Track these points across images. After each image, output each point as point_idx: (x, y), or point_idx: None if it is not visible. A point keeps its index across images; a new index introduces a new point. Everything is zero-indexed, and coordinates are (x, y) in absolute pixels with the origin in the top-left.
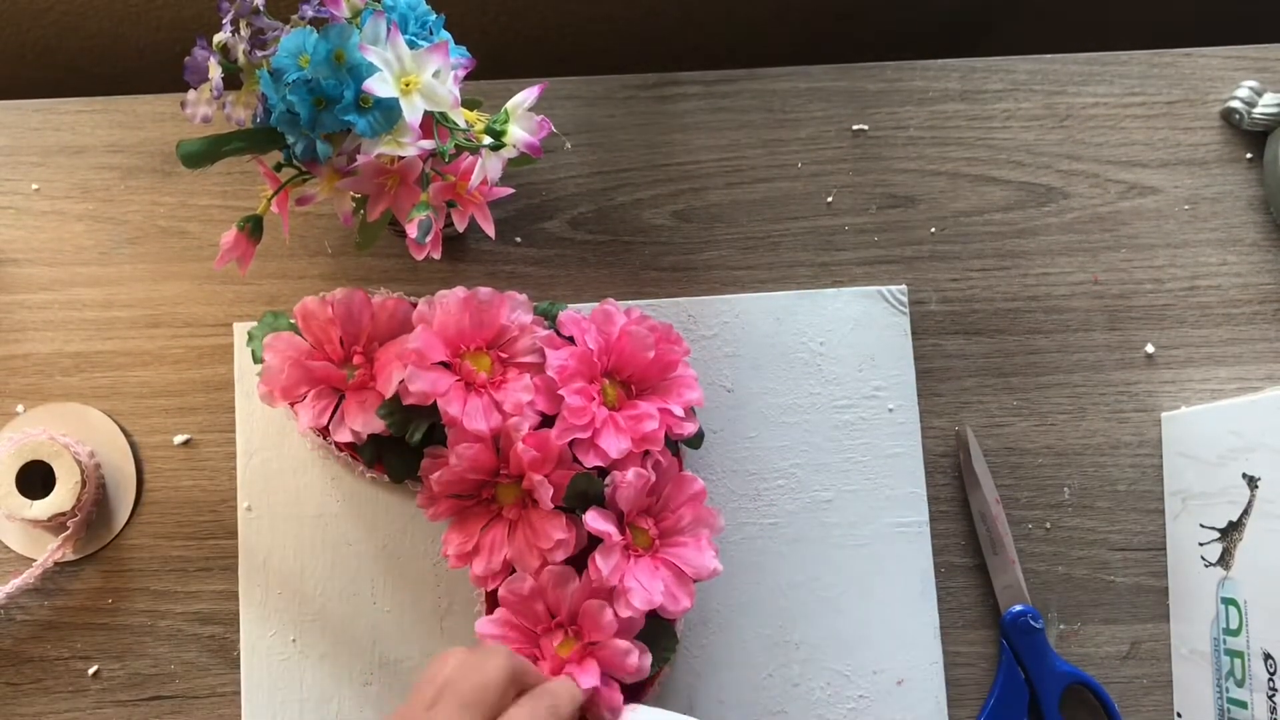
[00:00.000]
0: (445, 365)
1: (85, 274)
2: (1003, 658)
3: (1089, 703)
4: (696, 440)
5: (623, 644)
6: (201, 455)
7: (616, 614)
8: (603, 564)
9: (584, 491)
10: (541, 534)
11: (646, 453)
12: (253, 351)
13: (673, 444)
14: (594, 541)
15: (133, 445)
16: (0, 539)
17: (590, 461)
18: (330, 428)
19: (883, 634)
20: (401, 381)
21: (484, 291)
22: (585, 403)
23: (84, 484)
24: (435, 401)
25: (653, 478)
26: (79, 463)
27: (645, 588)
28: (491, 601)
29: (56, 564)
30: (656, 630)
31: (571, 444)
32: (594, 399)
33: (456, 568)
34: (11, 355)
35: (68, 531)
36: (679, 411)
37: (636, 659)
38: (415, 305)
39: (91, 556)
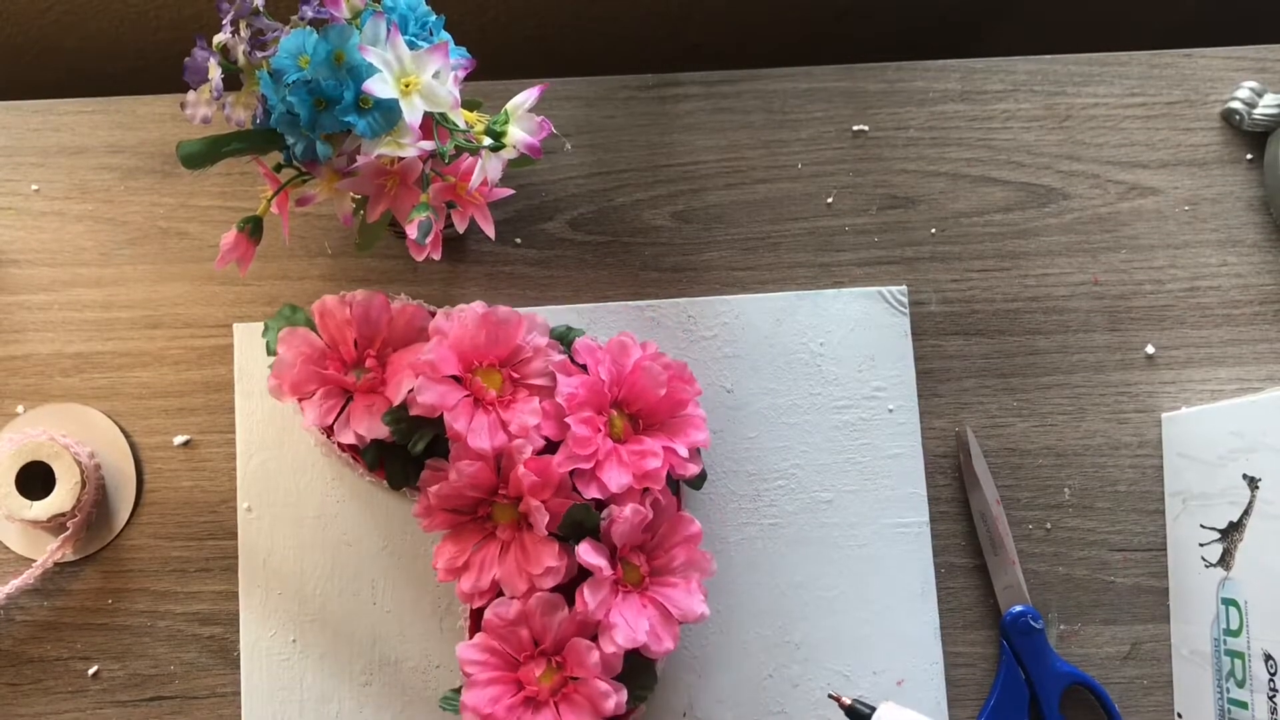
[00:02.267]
0: (456, 379)
1: (85, 275)
2: (1003, 658)
3: (1089, 703)
4: (698, 481)
5: (603, 685)
6: (201, 455)
7: (599, 649)
8: (590, 597)
9: (580, 522)
10: (533, 558)
11: (646, 490)
12: (267, 343)
13: (674, 483)
14: (584, 572)
15: (133, 445)
16: (0, 539)
17: (590, 492)
18: (335, 428)
19: (883, 634)
20: (410, 390)
21: (503, 310)
22: (591, 433)
23: (84, 484)
24: (442, 414)
25: (650, 515)
26: (79, 463)
27: (630, 625)
28: (475, 620)
29: (56, 564)
30: (636, 667)
31: (572, 473)
32: (600, 430)
33: (444, 581)
34: (11, 355)
35: (68, 532)
36: (683, 452)
37: (614, 703)
38: (434, 314)
39: (91, 557)
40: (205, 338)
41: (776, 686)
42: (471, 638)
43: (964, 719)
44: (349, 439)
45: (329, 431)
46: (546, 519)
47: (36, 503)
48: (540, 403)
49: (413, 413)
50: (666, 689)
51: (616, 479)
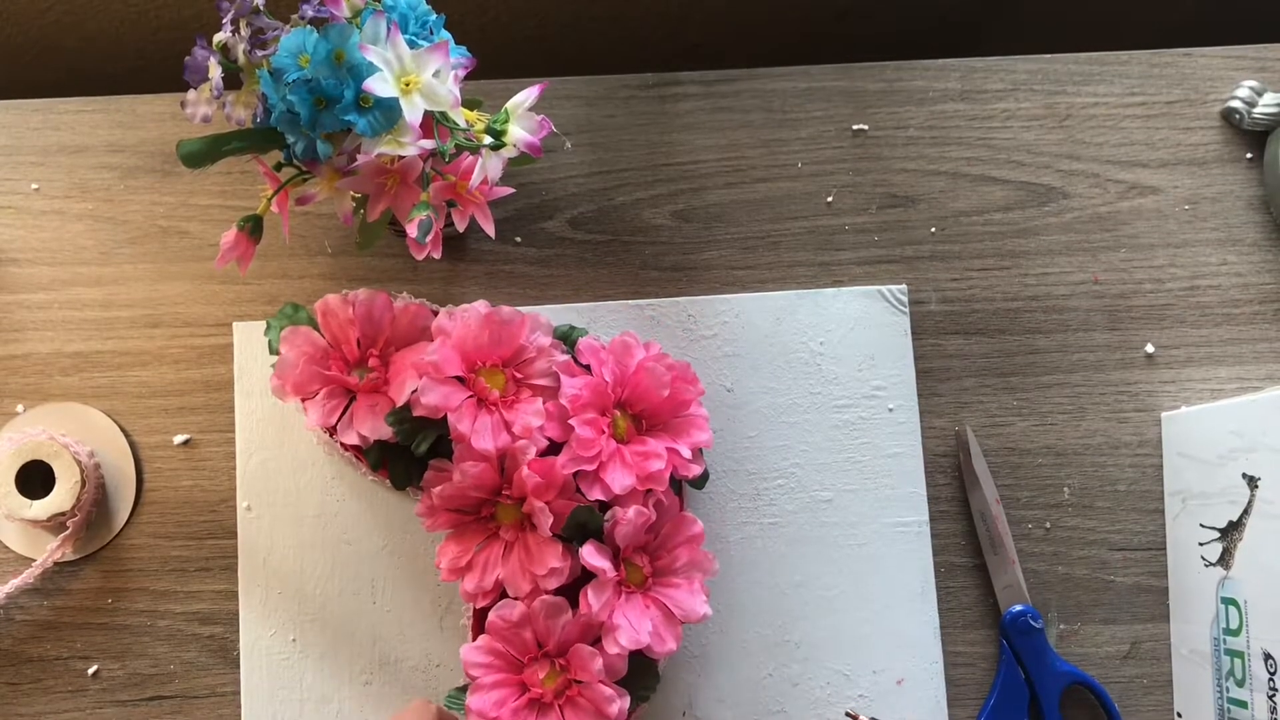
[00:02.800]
0: (459, 380)
1: (85, 274)
2: (1003, 658)
3: (1089, 703)
4: (701, 481)
5: (607, 691)
6: (201, 455)
7: (603, 650)
8: (594, 599)
9: (584, 524)
10: (536, 559)
11: (649, 490)
12: (269, 342)
13: (676, 483)
14: (588, 571)
15: (133, 445)
16: (0, 538)
17: (593, 494)
18: (338, 428)
19: (883, 634)
20: (414, 391)
21: (506, 310)
22: (594, 435)
23: (84, 484)
24: (445, 415)
25: (653, 517)
26: (79, 463)
27: (633, 626)
28: (479, 620)
29: (56, 564)
30: (639, 667)
31: (576, 474)
32: (604, 431)
33: (448, 580)
34: (11, 355)
35: (67, 531)
36: (686, 453)
37: (618, 708)
38: (436, 314)
39: (91, 556)
40: (205, 337)
41: (776, 685)
42: (475, 639)
43: (964, 718)
44: (352, 439)
45: (332, 431)
46: (550, 520)
47: (36, 502)
48: (544, 403)
49: (416, 413)
50: (666, 688)
51: (620, 480)
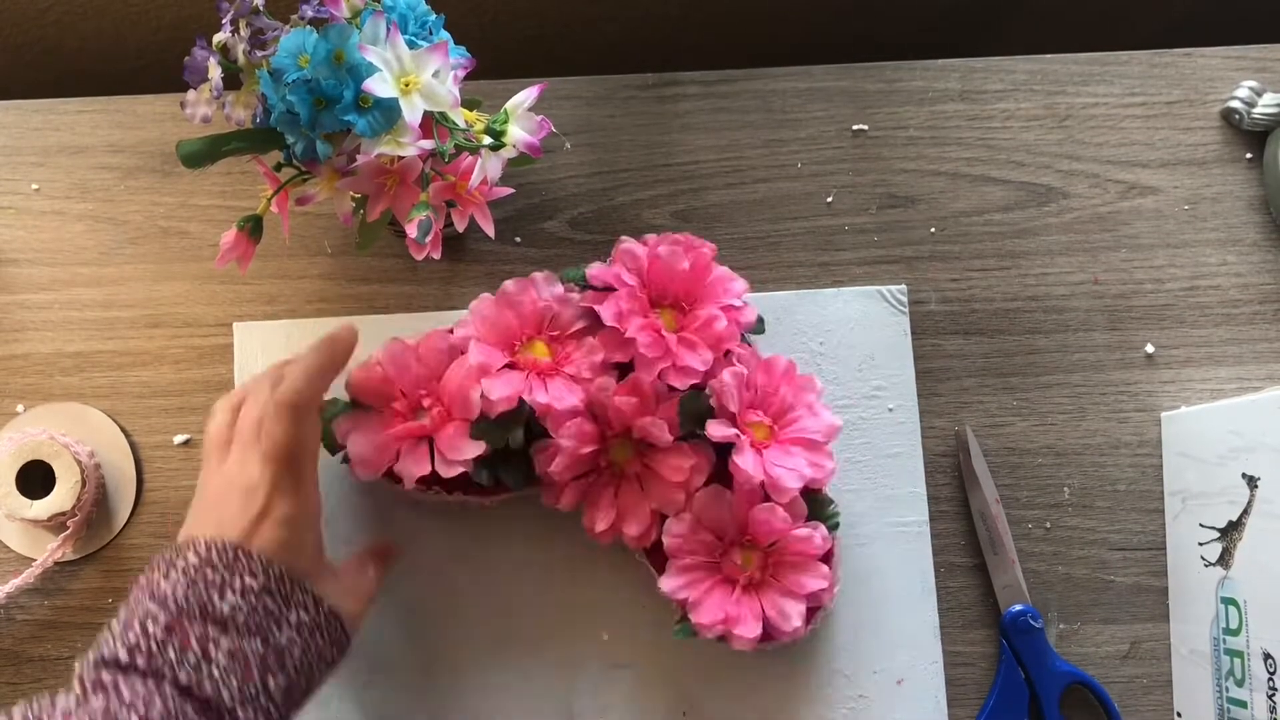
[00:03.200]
0: (509, 366)
1: (85, 274)
2: (1003, 657)
3: (1089, 703)
4: (760, 326)
5: (802, 532)
6: (201, 455)
7: (779, 506)
8: (743, 464)
9: (695, 411)
10: (673, 470)
11: (728, 353)
12: (327, 447)
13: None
14: (718, 469)
15: (133, 445)
16: (0, 538)
17: (684, 384)
18: (437, 471)
19: (883, 634)
20: (482, 397)
21: (509, 285)
22: (653, 334)
23: (84, 484)
24: (520, 401)
25: (745, 371)
26: (79, 462)
27: (791, 468)
28: (654, 557)
29: (56, 564)
30: (815, 504)
31: (659, 376)
32: (659, 328)
33: (609, 541)
34: (11, 355)
35: (68, 531)
36: (737, 302)
37: (820, 537)
38: (451, 330)
39: (91, 556)
40: (205, 337)
41: (776, 686)
42: (661, 573)
43: (964, 718)
44: (456, 470)
45: (431, 481)
46: (665, 427)
47: (36, 502)
48: (594, 339)
49: (495, 415)
50: (666, 689)
51: (699, 359)
